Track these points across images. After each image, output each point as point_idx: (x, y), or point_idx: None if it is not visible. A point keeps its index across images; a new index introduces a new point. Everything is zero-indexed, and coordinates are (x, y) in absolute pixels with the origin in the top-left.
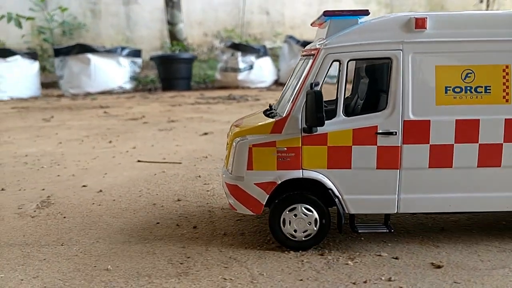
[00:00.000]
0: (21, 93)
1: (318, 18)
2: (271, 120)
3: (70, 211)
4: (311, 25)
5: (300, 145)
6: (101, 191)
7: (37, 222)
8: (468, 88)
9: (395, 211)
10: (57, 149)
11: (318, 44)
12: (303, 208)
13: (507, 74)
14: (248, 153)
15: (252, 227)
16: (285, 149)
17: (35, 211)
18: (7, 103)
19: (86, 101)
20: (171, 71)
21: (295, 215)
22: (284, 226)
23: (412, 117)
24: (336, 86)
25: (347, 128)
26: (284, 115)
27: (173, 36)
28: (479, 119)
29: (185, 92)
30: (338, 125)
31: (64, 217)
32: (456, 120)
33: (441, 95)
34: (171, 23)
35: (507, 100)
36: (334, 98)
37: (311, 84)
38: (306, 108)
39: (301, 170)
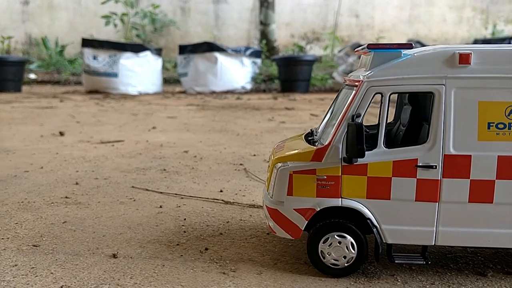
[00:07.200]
0: (148, 88)
1: (362, 48)
2: (312, 147)
3: None
4: (354, 52)
5: (340, 174)
6: None
7: None
8: None
9: (433, 243)
10: None
11: (362, 76)
12: (336, 236)
13: None
14: (288, 179)
15: None
16: (325, 177)
17: None
18: (166, 98)
19: (231, 100)
20: (292, 73)
21: (330, 245)
22: (324, 258)
23: (453, 152)
24: (378, 117)
25: (387, 160)
26: (325, 143)
27: (265, 36)
28: None
29: (317, 94)
30: (379, 157)
31: None
32: (498, 156)
33: (484, 130)
34: (264, 24)
35: None
36: (377, 123)
37: (353, 116)
38: (347, 139)
39: (340, 199)
